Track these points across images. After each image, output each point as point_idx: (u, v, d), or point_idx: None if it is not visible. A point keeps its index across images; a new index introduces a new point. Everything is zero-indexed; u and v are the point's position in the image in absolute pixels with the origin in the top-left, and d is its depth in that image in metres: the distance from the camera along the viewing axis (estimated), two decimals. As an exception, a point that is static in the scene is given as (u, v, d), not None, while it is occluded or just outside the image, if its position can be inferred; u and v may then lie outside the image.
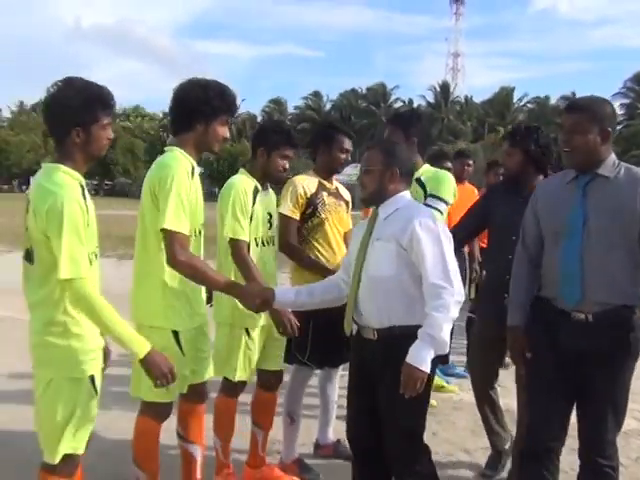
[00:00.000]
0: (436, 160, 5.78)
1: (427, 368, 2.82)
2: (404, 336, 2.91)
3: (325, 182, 4.13)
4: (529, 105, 78.48)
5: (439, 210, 3.77)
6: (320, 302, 3.39)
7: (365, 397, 3.13)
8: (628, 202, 2.91)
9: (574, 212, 3.01)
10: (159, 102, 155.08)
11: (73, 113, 2.64)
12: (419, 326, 2.87)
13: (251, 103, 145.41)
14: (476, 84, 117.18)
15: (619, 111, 65.72)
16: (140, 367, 2.73)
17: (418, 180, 3.90)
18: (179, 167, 3.06)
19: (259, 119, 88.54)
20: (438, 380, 5.56)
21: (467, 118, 75.24)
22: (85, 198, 2.68)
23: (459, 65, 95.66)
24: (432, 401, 5.64)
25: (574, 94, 63.69)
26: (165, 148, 3.26)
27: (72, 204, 2.56)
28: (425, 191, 3.90)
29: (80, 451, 2.75)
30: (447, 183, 3.96)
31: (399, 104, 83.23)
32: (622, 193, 2.94)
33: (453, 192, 3.98)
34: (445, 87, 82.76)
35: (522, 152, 3.84)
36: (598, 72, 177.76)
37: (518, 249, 3.30)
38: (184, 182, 3.04)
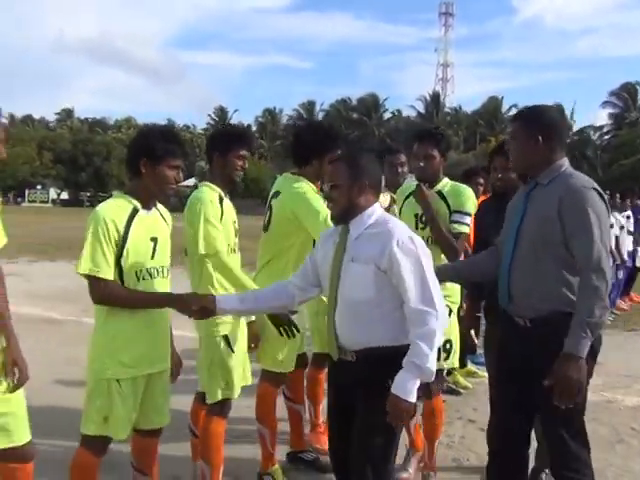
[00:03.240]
0: (468, 177, 6.02)
1: (413, 399, 2.74)
2: (384, 357, 2.83)
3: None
4: (518, 115, 78.96)
5: (467, 224, 4.03)
6: (267, 308, 3.37)
7: (344, 421, 3.00)
8: (549, 209, 2.94)
9: (514, 220, 3.11)
10: (149, 113, 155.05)
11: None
12: (400, 347, 2.79)
13: (244, 113, 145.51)
14: (466, 94, 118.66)
15: (607, 120, 66.65)
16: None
17: (440, 193, 4.07)
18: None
19: (253, 129, 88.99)
20: (470, 367, 6.59)
21: (458, 128, 75.90)
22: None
23: (449, 75, 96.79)
24: (467, 384, 6.24)
25: (559, 104, 64.35)
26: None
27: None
28: (448, 206, 4.06)
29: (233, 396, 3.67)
30: (468, 196, 4.10)
31: (389, 115, 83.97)
32: (548, 201, 2.96)
33: (473, 204, 4.14)
34: (435, 97, 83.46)
35: None
36: (585, 81, 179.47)
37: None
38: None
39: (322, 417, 4.55)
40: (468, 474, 3.96)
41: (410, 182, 4.54)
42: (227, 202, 3.77)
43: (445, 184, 4.13)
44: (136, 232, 3.08)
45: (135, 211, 3.12)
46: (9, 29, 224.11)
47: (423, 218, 4.08)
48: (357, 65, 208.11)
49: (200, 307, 3.06)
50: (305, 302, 3.36)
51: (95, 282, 3.01)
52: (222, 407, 3.69)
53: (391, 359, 2.78)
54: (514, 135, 3.14)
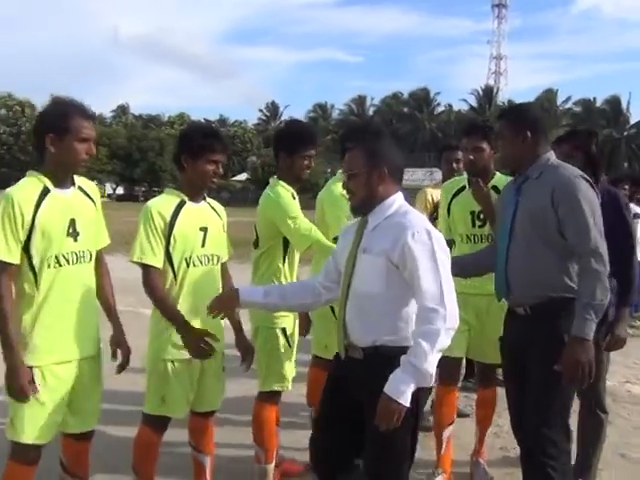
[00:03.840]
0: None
1: (406, 401, 2.54)
2: (392, 357, 2.63)
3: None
4: (574, 108, 77.73)
5: None
6: (292, 306, 3.23)
7: (336, 411, 2.89)
8: (543, 200, 3.03)
9: (507, 213, 3.20)
10: (202, 109, 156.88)
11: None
12: (409, 347, 2.62)
13: (295, 108, 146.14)
14: (519, 87, 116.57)
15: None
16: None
17: (495, 188, 3.97)
18: None
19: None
20: None
21: (511, 122, 74.58)
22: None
23: (502, 68, 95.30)
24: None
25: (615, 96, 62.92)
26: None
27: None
28: None
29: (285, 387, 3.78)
30: None
31: (441, 109, 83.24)
32: (541, 192, 3.05)
33: None
34: (488, 91, 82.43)
35: (584, 155, 3.74)
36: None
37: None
38: None
39: None
40: (515, 463, 4.00)
41: (456, 178, 4.52)
42: (296, 201, 3.83)
43: (500, 178, 4.04)
44: (183, 222, 3.26)
45: (182, 203, 3.30)
46: (65, 27, 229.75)
47: (481, 215, 3.99)
48: (408, 59, 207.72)
49: (224, 300, 3.06)
50: (332, 302, 3.15)
51: (144, 269, 3.24)
52: (274, 396, 3.82)
53: (397, 360, 2.60)
54: (503, 133, 3.25)
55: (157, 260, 3.21)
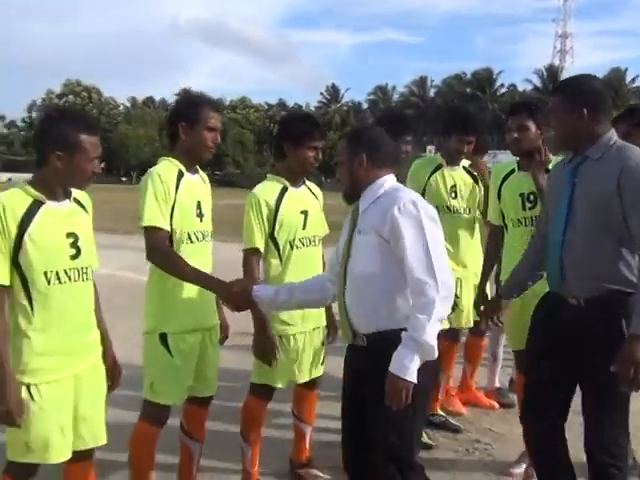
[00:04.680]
0: None
1: (412, 377, 2.49)
2: (396, 341, 2.56)
3: None
4: (644, 86, 75.30)
5: None
6: (300, 303, 3.14)
7: (357, 417, 2.81)
8: (607, 183, 2.75)
9: (563, 196, 2.91)
10: (261, 93, 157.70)
11: None
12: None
13: (355, 91, 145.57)
14: (586, 65, 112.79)
15: None
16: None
17: (548, 171, 3.80)
18: None
19: (365, 107, 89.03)
20: None
21: (577, 101, 72.73)
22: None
23: (567, 46, 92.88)
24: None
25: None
26: None
27: None
28: None
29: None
30: None
31: (504, 89, 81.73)
32: (604, 175, 2.77)
33: None
34: (553, 70, 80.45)
35: None
36: None
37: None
38: None
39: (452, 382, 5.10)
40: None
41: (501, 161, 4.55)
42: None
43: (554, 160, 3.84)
44: (287, 207, 3.47)
45: (284, 189, 3.50)
46: (129, 14, 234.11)
47: (531, 197, 3.90)
48: (470, 38, 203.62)
49: (240, 290, 3.03)
50: None
51: (247, 252, 3.47)
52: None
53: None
54: (556, 110, 2.92)
55: (262, 245, 3.47)
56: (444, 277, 2.56)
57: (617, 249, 2.78)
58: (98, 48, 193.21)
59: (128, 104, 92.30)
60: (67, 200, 2.77)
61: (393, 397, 2.52)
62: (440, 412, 4.81)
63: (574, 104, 2.82)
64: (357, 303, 2.75)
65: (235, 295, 3.01)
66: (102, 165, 2.95)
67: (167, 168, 3.15)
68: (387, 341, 2.60)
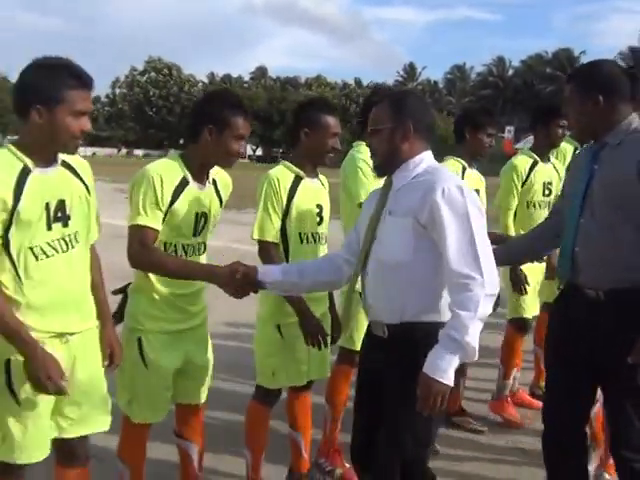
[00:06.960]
0: None
1: (449, 380, 2.27)
2: (421, 335, 2.40)
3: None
4: None
5: None
6: (311, 285, 2.82)
7: (373, 412, 2.60)
8: (627, 170, 2.58)
9: (579, 183, 2.76)
10: (336, 70, 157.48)
11: None
12: (441, 324, 2.36)
13: (431, 70, 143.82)
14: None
15: None
16: None
17: None
18: None
19: (441, 86, 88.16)
20: None
21: (664, 83, 70.28)
22: None
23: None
24: None
25: None
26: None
27: None
28: None
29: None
30: None
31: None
32: (624, 161, 2.61)
33: None
34: (637, 51, 77.68)
35: None
36: None
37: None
38: None
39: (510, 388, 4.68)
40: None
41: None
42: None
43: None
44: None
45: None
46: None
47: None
48: (550, 16, 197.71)
49: (243, 275, 2.67)
50: None
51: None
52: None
53: (429, 338, 2.34)
54: (570, 99, 2.77)
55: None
56: (491, 273, 2.32)
57: (638, 237, 2.60)
58: (178, 27, 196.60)
59: (206, 81, 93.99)
60: (315, 178, 3.28)
61: (427, 401, 2.29)
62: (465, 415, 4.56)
63: (589, 91, 2.68)
64: (380, 290, 2.51)
65: (236, 280, 2.67)
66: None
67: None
68: (410, 335, 2.42)
